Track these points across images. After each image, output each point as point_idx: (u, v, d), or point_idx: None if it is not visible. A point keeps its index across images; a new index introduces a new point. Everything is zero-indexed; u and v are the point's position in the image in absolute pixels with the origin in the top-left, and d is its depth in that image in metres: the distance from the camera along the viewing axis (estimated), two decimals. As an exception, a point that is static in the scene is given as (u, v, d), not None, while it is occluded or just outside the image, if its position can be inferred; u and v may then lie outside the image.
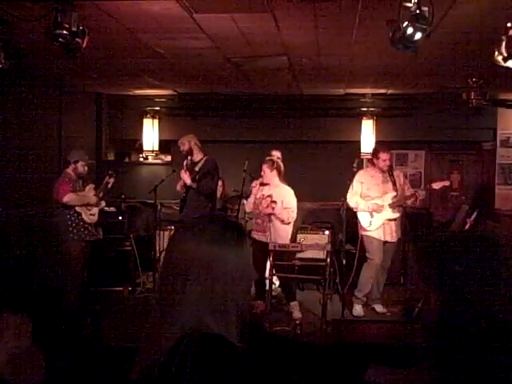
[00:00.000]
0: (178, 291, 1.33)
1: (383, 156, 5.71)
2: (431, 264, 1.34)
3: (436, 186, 5.77)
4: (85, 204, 5.50)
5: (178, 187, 6.13)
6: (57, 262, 5.58)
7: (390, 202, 5.66)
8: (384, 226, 5.69)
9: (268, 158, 5.94)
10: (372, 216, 5.70)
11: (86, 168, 5.61)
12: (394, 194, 5.67)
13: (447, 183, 5.78)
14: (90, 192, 5.62)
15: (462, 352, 1.33)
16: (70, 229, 5.41)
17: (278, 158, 6.06)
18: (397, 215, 5.70)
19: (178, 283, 1.33)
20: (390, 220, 5.69)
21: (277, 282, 6.07)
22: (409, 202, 5.75)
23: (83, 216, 5.47)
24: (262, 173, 5.78)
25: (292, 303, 5.75)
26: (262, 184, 5.80)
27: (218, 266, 1.34)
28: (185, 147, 6.05)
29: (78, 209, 5.45)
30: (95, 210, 5.60)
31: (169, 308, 1.33)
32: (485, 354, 1.30)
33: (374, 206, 5.66)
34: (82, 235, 5.46)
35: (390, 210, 5.67)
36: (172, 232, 6.87)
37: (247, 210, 6.05)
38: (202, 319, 1.30)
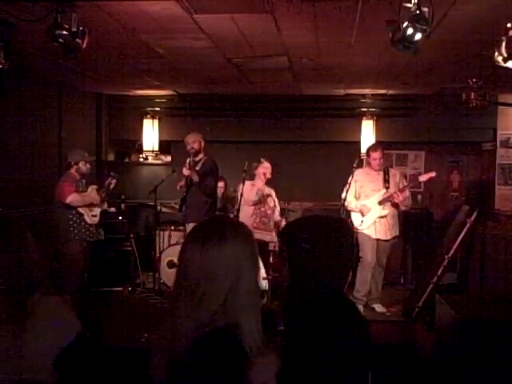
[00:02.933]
0: (193, 292, 1.35)
1: (373, 155, 5.77)
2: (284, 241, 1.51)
3: (422, 178, 5.90)
4: (87, 204, 5.52)
5: (178, 187, 6.16)
6: (56, 263, 5.56)
7: (380, 199, 5.70)
8: (375, 224, 5.72)
9: (263, 160, 6.19)
10: (363, 215, 5.73)
11: (89, 166, 5.64)
12: (384, 191, 5.71)
13: (433, 174, 5.83)
14: (92, 193, 5.64)
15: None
16: (72, 229, 5.42)
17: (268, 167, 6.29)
18: (386, 212, 5.71)
19: (193, 285, 1.36)
20: (381, 217, 5.71)
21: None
22: (401, 206, 5.77)
23: (85, 217, 5.49)
24: (264, 175, 6.09)
25: (276, 303, 5.76)
26: (254, 184, 6.12)
27: (233, 266, 1.37)
28: (195, 146, 6.06)
29: (80, 210, 5.46)
30: (97, 211, 5.62)
31: (184, 308, 1.36)
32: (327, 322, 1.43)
33: (362, 206, 5.70)
34: (83, 236, 5.48)
35: (380, 207, 5.70)
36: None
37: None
38: (217, 320, 1.33)
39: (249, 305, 1.36)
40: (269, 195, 6.18)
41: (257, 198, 6.06)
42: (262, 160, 6.22)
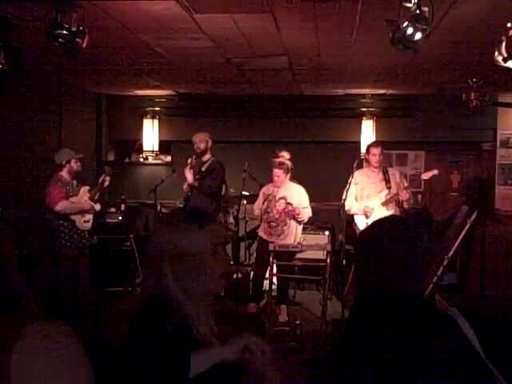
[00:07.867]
0: (154, 275, 1.56)
1: (373, 150, 5.76)
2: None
3: (425, 176, 5.87)
4: (78, 211, 5.30)
5: (185, 186, 6.13)
6: (53, 265, 5.48)
7: (384, 200, 5.68)
8: None
9: (278, 160, 5.74)
10: (367, 217, 5.72)
11: (79, 164, 5.41)
12: (387, 191, 5.70)
13: (436, 172, 5.82)
14: (84, 195, 5.42)
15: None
16: (63, 235, 5.24)
17: (287, 159, 5.96)
18: (391, 212, 5.69)
19: (155, 268, 1.56)
20: None
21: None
22: (405, 204, 5.76)
23: (77, 224, 5.28)
24: (275, 178, 5.67)
25: (281, 306, 5.74)
26: (275, 186, 5.76)
27: (183, 251, 1.53)
28: (201, 146, 6.05)
29: (72, 216, 5.25)
30: (89, 217, 5.40)
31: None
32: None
33: (366, 208, 5.68)
34: (75, 242, 5.29)
35: (384, 208, 5.69)
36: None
37: (256, 213, 5.96)
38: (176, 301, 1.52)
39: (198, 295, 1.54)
40: (282, 198, 5.69)
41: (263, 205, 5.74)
42: (278, 161, 5.73)
